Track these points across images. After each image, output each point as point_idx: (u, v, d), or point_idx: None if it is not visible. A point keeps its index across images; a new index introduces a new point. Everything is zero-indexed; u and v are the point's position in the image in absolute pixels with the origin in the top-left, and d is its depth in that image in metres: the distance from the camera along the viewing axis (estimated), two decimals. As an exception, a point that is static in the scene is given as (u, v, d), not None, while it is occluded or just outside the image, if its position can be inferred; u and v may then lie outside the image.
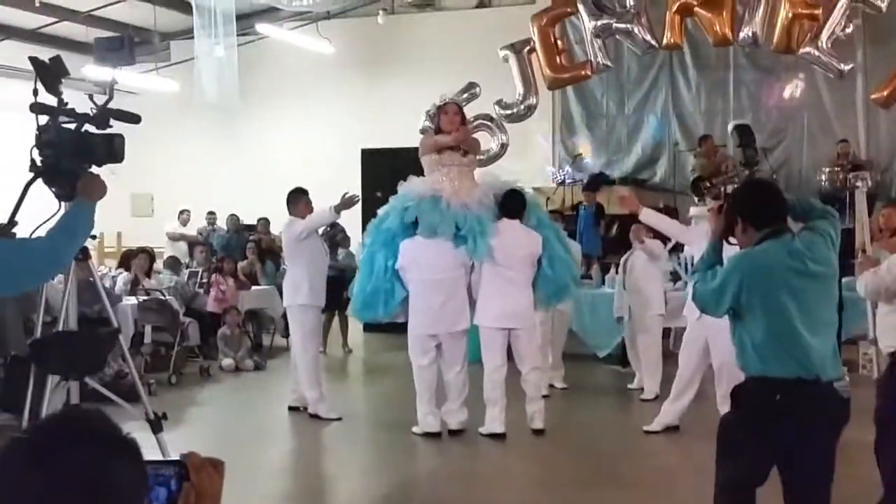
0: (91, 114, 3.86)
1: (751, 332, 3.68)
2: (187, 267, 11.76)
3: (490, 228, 7.12)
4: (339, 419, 7.78)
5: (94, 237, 3.69)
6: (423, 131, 9.48)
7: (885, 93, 8.49)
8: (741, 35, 8.62)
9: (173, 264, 11.63)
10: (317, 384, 7.92)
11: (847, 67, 8.66)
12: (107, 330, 4.40)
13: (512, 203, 7.26)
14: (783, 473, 3.73)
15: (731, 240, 3.92)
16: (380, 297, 7.30)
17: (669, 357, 8.59)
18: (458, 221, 7.16)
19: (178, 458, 1.51)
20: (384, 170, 13.12)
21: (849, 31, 8.63)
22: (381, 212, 7.67)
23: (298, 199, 8.14)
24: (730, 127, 13.23)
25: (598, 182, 14.44)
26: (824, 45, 8.39)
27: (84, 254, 4.08)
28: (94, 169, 3.75)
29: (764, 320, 3.63)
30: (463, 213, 7.18)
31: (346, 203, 7.72)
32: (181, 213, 15.39)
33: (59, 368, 3.95)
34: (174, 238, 14.94)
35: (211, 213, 14.92)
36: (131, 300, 9.89)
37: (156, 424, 4.33)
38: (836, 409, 3.69)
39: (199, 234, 14.79)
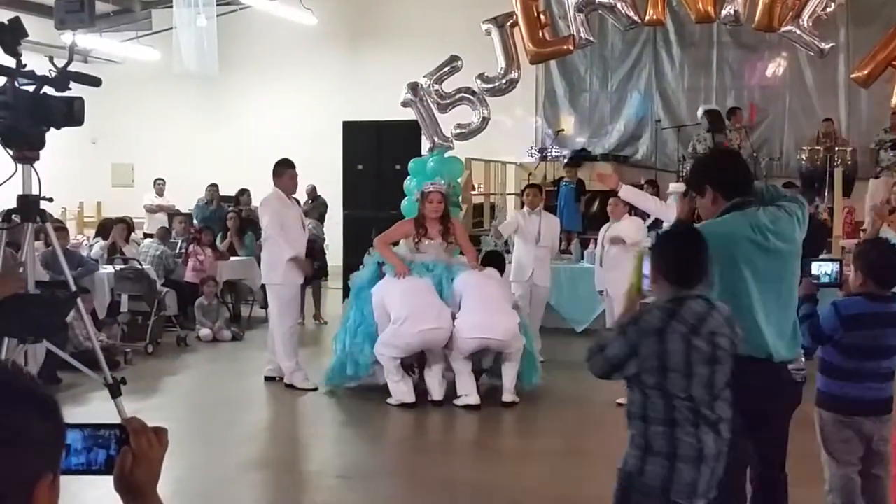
0: (50, 76, 3.80)
1: None
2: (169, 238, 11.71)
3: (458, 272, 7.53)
4: (314, 389, 7.82)
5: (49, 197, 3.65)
6: (404, 104, 9.45)
7: (865, 72, 8.48)
8: (723, 12, 8.58)
9: (163, 235, 11.59)
10: (293, 355, 7.96)
11: (828, 46, 8.64)
12: (64, 293, 4.35)
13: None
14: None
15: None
16: (349, 360, 7.51)
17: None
18: (427, 265, 7.57)
19: (118, 422, 1.53)
20: (365, 143, 13.08)
21: (830, 10, 8.59)
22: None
23: (283, 171, 8.08)
24: (700, 112, 13.25)
25: (580, 158, 14.46)
26: (805, 24, 8.36)
27: (42, 217, 4.03)
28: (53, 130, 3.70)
29: (720, 294, 3.39)
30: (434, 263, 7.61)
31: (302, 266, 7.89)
32: (155, 182, 15.22)
33: (15, 331, 3.91)
34: (152, 210, 14.79)
35: (213, 185, 14.55)
36: (108, 269, 9.85)
37: (114, 389, 4.32)
38: (787, 391, 3.61)
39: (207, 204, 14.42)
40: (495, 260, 8.23)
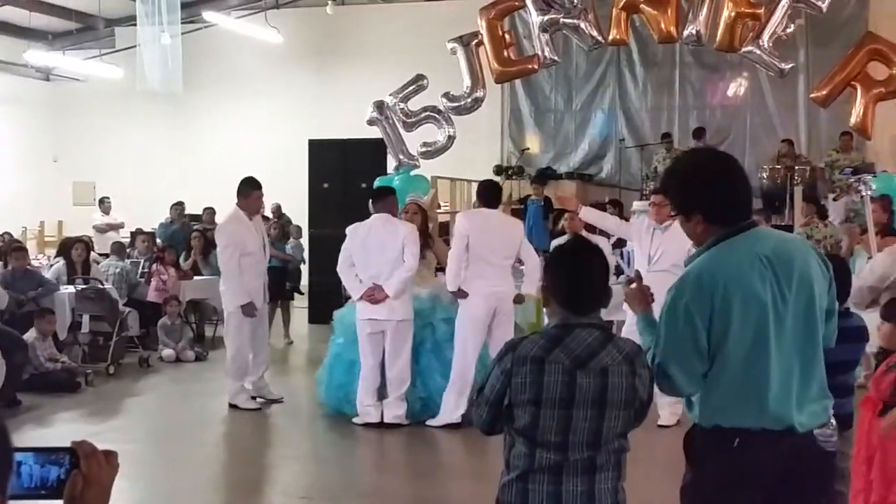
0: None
1: (711, 371, 2.75)
2: (128, 257, 11.57)
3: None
4: (258, 409, 7.81)
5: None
6: (370, 122, 9.46)
7: (824, 92, 8.63)
8: (685, 32, 8.70)
9: (119, 250, 11.43)
10: (239, 376, 7.90)
11: (788, 66, 8.79)
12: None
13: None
14: None
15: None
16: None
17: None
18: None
19: (69, 445, 1.52)
20: (331, 161, 13.08)
21: (790, 30, 8.75)
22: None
23: (249, 192, 7.92)
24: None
25: (546, 176, 14.55)
26: (766, 45, 8.50)
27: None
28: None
29: (731, 352, 2.70)
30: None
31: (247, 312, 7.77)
32: (101, 201, 15.00)
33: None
34: (102, 230, 14.52)
35: (178, 203, 14.36)
36: (69, 289, 9.71)
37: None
38: (814, 467, 2.82)
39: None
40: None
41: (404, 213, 7.65)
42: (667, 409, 7.16)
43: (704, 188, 2.82)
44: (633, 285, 3.09)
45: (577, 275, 2.75)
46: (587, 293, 2.75)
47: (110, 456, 1.54)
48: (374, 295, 7.08)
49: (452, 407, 7.07)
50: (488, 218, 7.26)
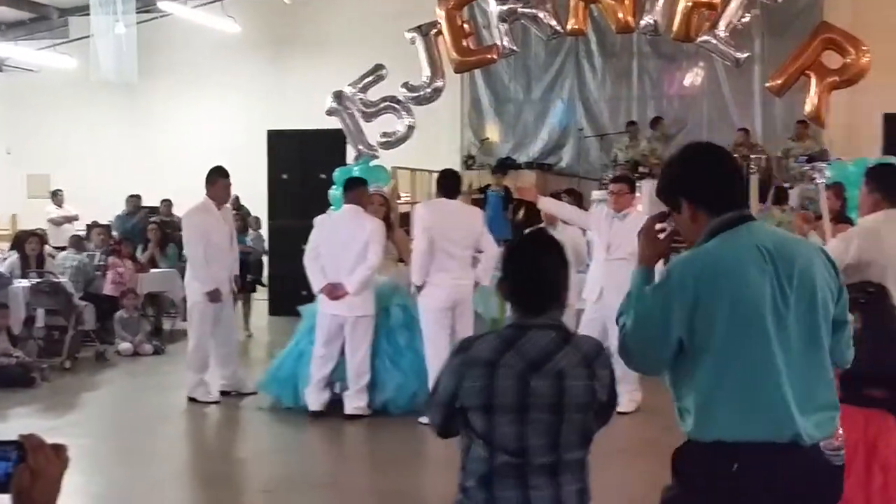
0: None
1: (699, 377, 2.50)
2: (84, 249, 11.40)
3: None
4: (216, 402, 7.77)
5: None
6: (329, 113, 9.39)
7: (779, 81, 8.71)
8: (642, 22, 8.74)
9: (76, 243, 11.27)
10: (199, 369, 7.86)
11: (743, 56, 8.86)
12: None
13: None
14: None
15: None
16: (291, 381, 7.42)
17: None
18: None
19: (15, 439, 1.48)
20: (290, 152, 13.00)
21: (745, 20, 8.81)
22: None
23: (216, 180, 7.92)
24: None
25: (506, 166, 14.56)
26: (722, 34, 8.56)
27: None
28: None
29: (726, 355, 2.46)
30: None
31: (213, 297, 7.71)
32: (54, 194, 14.76)
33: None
34: (58, 223, 14.28)
35: (134, 195, 14.16)
36: (24, 282, 9.55)
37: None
38: (821, 483, 2.56)
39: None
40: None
41: (370, 205, 7.62)
42: (626, 395, 7.20)
43: (690, 171, 2.67)
44: (659, 226, 2.71)
45: (531, 273, 2.57)
46: (542, 292, 2.56)
47: (60, 450, 1.51)
48: (334, 292, 7.09)
49: None
50: (448, 208, 7.21)
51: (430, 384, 6.89)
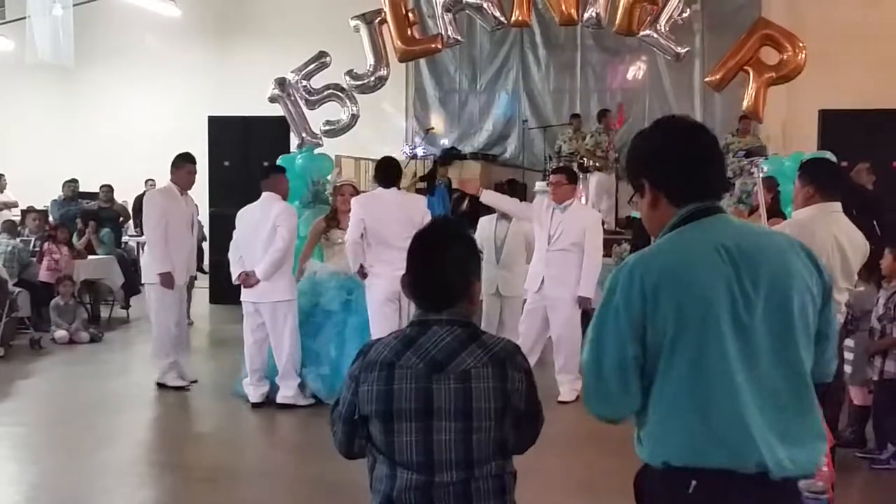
0: None
1: (652, 398, 2.14)
2: (18, 235, 11.15)
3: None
4: (186, 388, 7.75)
5: None
6: (271, 100, 9.31)
7: (717, 76, 8.86)
8: (585, 15, 8.82)
9: (10, 228, 11.01)
10: (167, 354, 7.79)
11: (684, 51, 9.00)
12: None
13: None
14: None
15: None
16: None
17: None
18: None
19: None
20: (232, 138, 12.84)
21: (686, 15, 8.96)
22: None
23: (182, 165, 7.87)
24: None
25: (450, 156, 14.59)
26: (663, 29, 8.68)
27: None
28: None
29: (676, 372, 2.09)
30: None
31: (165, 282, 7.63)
32: None
33: None
34: None
35: (72, 180, 13.83)
36: (-45, 269, 9.32)
37: None
38: None
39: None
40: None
41: (340, 196, 7.60)
42: (567, 385, 7.30)
43: (652, 149, 2.28)
44: None
45: (434, 263, 2.35)
46: (446, 284, 2.33)
47: None
48: (247, 280, 7.12)
49: None
50: (384, 199, 7.04)
51: None
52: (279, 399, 7.15)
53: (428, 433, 2.24)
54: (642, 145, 2.32)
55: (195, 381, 7.91)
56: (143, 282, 8.19)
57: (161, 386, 7.75)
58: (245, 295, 7.20)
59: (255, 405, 7.18)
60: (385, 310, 6.95)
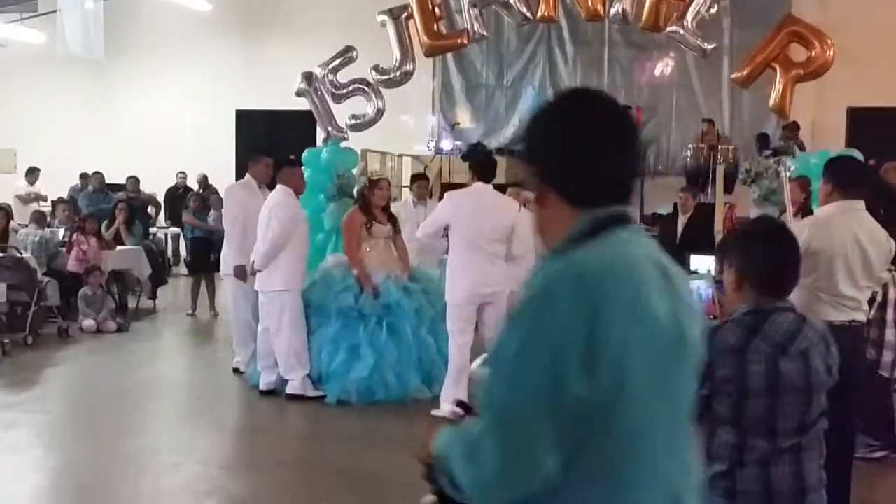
0: None
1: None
2: (48, 226, 11.31)
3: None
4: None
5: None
6: (298, 94, 9.37)
7: (744, 72, 8.81)
8: (612, 11, 8.79)
9: (39, 218, 11.17)
10: (245, 344, 7.81)
11: (710, 47, 8.94)
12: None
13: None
14: None
15: None
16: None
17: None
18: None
19: None
20: (259, 132, 12.95)
21: (713, 11, 8.90)
22: None
23: (259, 159, 8.04)
24: None
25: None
26: (690, 25, 8.64)
27: None
28: None
29: (627, 410, 1.56)
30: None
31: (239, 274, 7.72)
32: (30, 171, 14.52)
33: None
34: (26, 199, 14.08)
35: (84, 174, 14.07)
36: (-14, 257, 9.47)
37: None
38: None
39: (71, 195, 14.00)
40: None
41: (378, 190, 7.49)
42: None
43: (545, 128, 1.73)
44: None
45: (781, 257, 2.68)
46: (786, 276, 2.69)
47: None
48: (239, 273, 7.43)
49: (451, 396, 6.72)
50: (481, 198, 6.54)
51: (450, 374, 6.67)
52: (288, 390, 7.20)
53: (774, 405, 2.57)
54: (534, 123, 1.77)
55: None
56: (220, 274, 8.42)
57: (236, 371, 7.96)
58: (255, 283, 7.38)
59: (262, 392, 7.26)
60: (465, 312, 6.64)
